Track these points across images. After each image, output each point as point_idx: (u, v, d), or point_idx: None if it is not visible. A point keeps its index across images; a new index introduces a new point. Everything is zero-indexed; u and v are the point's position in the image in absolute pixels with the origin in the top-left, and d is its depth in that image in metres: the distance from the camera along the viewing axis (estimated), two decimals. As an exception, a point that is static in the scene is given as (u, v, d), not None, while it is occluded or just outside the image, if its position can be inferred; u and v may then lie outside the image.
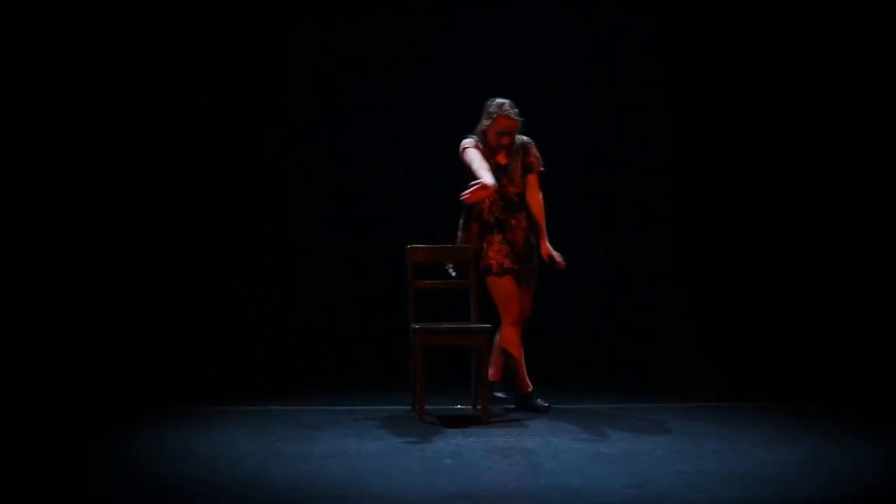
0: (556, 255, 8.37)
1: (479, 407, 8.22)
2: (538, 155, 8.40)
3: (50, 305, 9.89)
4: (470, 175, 8.16)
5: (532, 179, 8.37)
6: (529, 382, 8.43)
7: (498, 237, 8.32)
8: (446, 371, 8.72)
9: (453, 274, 8.38)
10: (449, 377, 8.81)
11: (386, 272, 9.72)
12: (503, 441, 7.45)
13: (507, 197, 8.32)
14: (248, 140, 10.25)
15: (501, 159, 8.32)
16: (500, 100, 8.31)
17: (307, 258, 10.29)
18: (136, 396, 9.09)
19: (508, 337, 8.35)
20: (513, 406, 8.45)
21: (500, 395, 8.53)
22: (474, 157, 8.17)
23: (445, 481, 6.46)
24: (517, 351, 8.38)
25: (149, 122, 10.06)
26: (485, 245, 8.34)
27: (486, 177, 8.04)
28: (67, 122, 9.95)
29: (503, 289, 8.32)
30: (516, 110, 8.27)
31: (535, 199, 8.39)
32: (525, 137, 8.39)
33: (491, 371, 8.43)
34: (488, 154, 8.27)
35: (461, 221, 8.46)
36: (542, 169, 8.39)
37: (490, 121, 8.28)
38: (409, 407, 8.43)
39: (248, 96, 10.23)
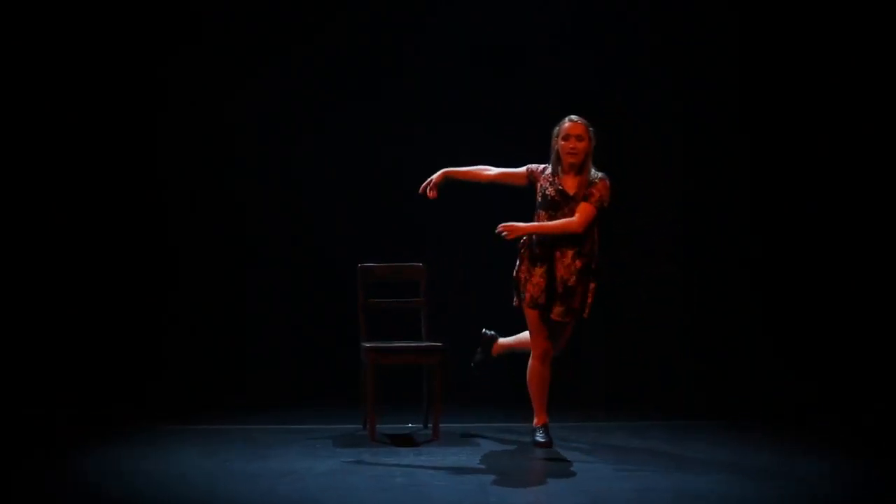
0: (507, 227, 7.71)
1: (430, 425, 8.22)
2: (603, 191, 7.72)
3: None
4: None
5: (582, 206, 7.71)
6: (543, 417, 7.95)
7: (540, 270, 7.79)
8: (398, 389, 8.70)
9: None
10: (400, 395, 8.79)
11: (337, 290, 9.70)
12: (454, 460, 7.45)
13: None
14: (199, 155, 10.23)
15: (570, 187, 7.77)
16: None
17: (258, 276, 10.26)
18: (88, 416, 9.02)
19: (531, 369, 7.91)
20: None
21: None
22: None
23: (396, 500, 6.47)
24: (535, 385, 7.91)
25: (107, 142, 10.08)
26: (527, 275, 7.82)
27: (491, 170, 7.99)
28: (27, 137, 9.96)
29: (531, 321, 7.84)
30: (584, 120, 7.83)
31: (571, 218, 7.74)
32: (600, 173, 7.77)
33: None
34: (553, 182, 7.76)
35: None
36: (600, 204, 7.74)
37: (557, 129, 7.81)
38: (360, 426, 8.42)
39: (208, 114, 10.20)
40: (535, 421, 8.00)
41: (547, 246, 7.78)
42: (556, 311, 7.81)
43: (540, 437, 7.93)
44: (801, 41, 10.20)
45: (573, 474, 7.10)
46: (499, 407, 9.23)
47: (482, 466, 7.29)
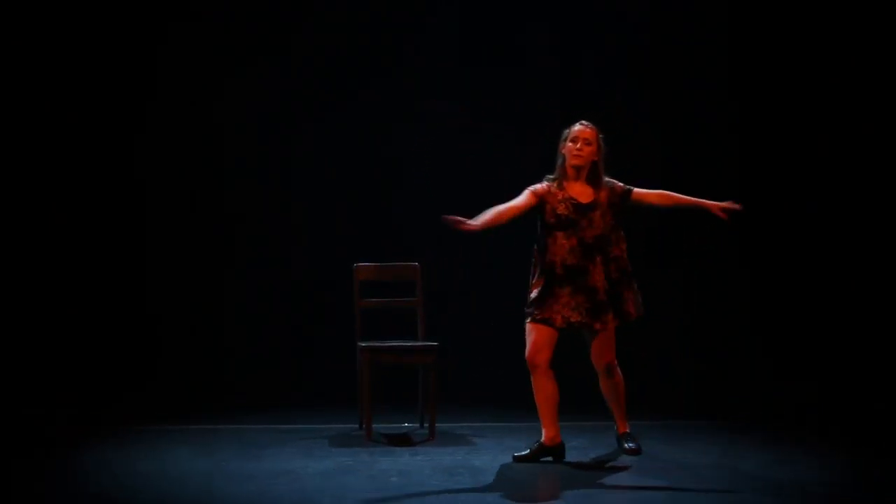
0: (725, 203, 7.46)
1: (426, 425, 8.21)
2: (621, 184, 7.56)
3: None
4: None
5: (639, 193, 7.55)
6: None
7: (567, 289, 7.41)
8: (394, 389, 8.70)
9: None
10: (397, 395, 8.79)
11: (334, 290, 9.69)
12: (450, 459, 7.44)
13: (583, 242, 7.42)
14: (197, 155, 10.23)
15: (582, 196, 7.49)
16: None
17: (255, 276, 10.25)
18: (86, 416, 9.03)
19: (536, 386, 7.53)
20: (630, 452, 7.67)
21: (630, 445, 7.67)
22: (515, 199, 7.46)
23: (392, 500, 6.46)
24: (540, 398, 7.55)
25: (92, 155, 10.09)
26: (549, 298, 7.41)
27: (482, 216, 7.31)
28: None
29: (538, 337, 7.45)
30: (595, 127, 7.56)
31: (660, 195, 7.58)
32: (610, 179, 7.56)
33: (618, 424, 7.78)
34: (564, 199, 7.45)
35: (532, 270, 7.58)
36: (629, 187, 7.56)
37: (566, 132, 7.53)
38: (356, 425, 8.42)
39: (207, 114, 10.20)
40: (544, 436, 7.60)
41: (579, 259, 7.43)
42: (607, 319, 7.46)
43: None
44: (801, 41, 10.18)
45: (570, 473, 7.09)
46: (496, 407, 9.22)
47: (479, 465, 7.27)
